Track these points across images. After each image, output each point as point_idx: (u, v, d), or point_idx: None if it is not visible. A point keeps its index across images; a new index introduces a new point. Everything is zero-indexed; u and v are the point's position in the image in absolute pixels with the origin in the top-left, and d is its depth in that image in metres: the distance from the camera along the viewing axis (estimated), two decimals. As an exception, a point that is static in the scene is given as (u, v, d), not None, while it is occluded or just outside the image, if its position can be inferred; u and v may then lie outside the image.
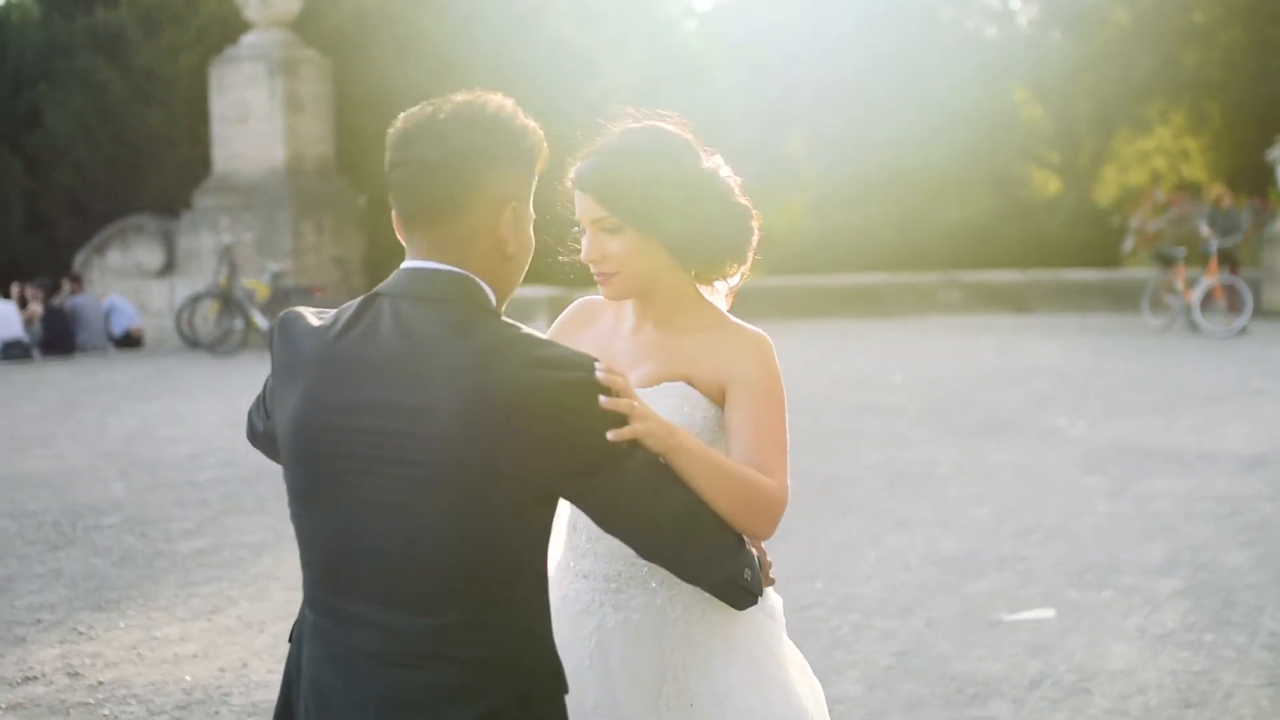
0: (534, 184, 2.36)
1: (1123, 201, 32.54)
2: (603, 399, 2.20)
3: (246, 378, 15.46)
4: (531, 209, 2.37)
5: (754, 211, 2.70)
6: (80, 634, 6.30)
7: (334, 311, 2.36)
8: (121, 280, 23.08)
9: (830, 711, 5.16)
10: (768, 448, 2.53)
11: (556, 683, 2.30)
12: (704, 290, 2.73)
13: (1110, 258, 29.25)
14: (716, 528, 2.38)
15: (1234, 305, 20.20)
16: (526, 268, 2.39)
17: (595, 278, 2.64)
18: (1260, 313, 21.41)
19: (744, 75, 33.52)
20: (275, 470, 8.50)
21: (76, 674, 5.75)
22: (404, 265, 2.31)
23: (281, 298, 20.04)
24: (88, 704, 5.41)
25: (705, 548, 2.38)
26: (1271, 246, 23.32)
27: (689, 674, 2.60)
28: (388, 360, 2.21)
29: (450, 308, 2.23)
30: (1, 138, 26.66)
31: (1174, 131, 35.23)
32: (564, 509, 2.51)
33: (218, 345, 20.14)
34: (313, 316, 2.36)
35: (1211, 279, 20.27)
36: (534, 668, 2.26)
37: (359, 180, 23.32)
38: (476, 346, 2.18)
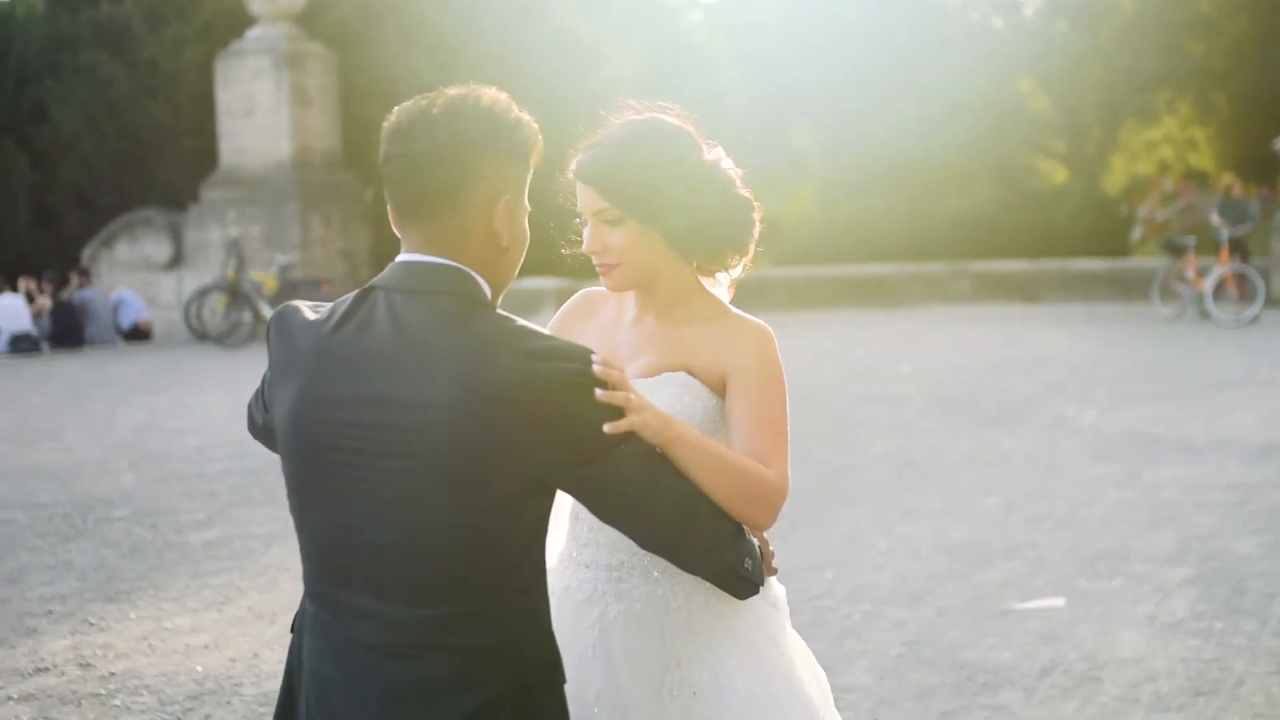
0: (529, 177, 2.36)
1: (1130, 191, 32.46)
2: (599, 392, 2.20)
3: (255, 370, 15.47)
4: (526, 202, 2.37)
5: (755, 203, 2.70)
6: (91, 625, 6.31)
7: (330, 305, 2.36)
8: (129, 273, 23.11)
9: (841, 700, 5.19)
10: (768, 438, 2.54)
11: (555, 672, 2.30)
12: (706, 282, 2.73)
13: (1118, 247, 29.19)
14: (715, 518, 2.39)
15: (1245, 294, 20.15)
16: (521, 260, 2.39)
17: (597, 269, 2.64)
18: (1270, 301, 21.38)
19: (749, 66, 33.48)
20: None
21: (88, 665, 5.76)
22: (398, 258, 2.31)
23: (289, 290, 20.06)
24: (99, 695, 5.42)
25: (704, 538, 2.38)
26: (1280, 235, 23.29)
27: (691, 663, 2.60)
28: (382, 354, 2.22)
29: (444, 301, 2.23)
30: (8, 133, 26.70)
31: (1181, 121, 35.15)
32: (565, 499, 2.51)
33: (226, 338, 20.16)
34: (309, 310, 2.36)
35: (1223, 268, 20.22)
36: (533, 657, 2.26)
37: (366, 173, 23.32)
38: (471, 339, 2.18)
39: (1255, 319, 19.52)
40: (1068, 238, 29.91)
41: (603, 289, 2.75)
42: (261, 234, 22.04)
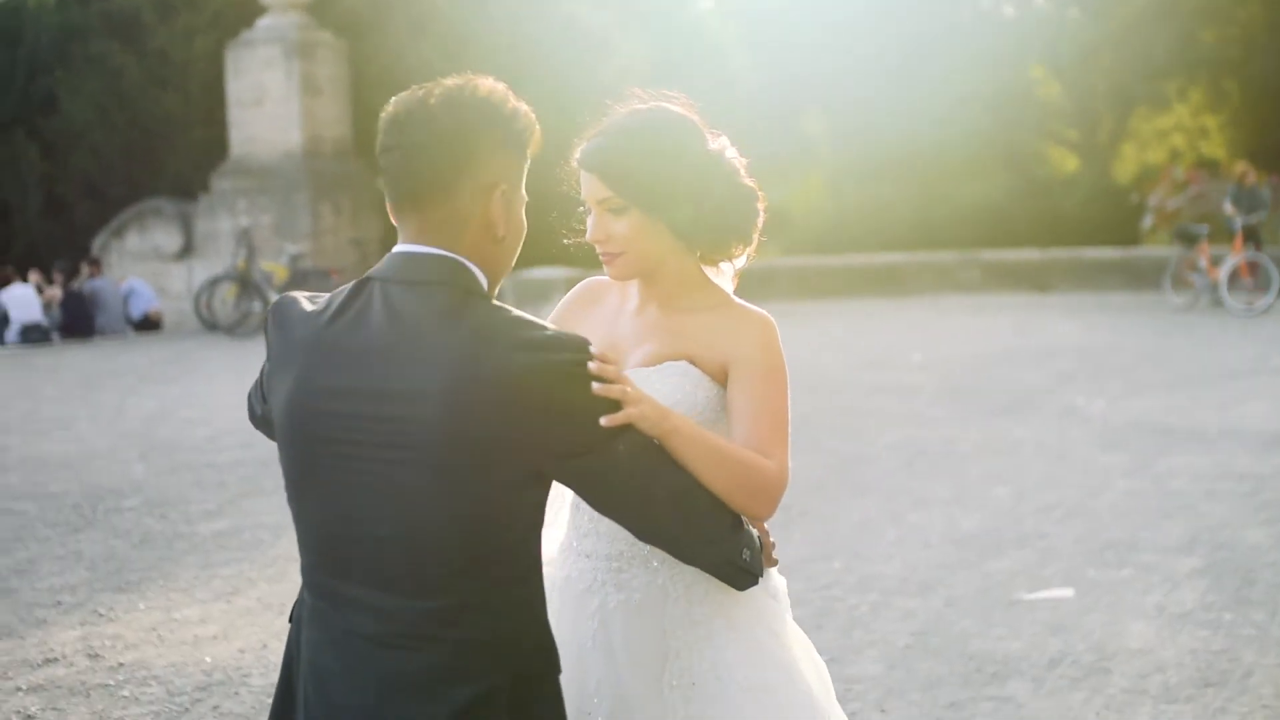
0: (526, 167, 2.36)
1: (1141, 179, 32.37)
2: (596, 384, 2.20)
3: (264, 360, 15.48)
4: (524, 192, 2.36)
5: (759, 193, 2.69)
6: (100, 616, 6.33)
7: (328, 296, 2.36)
8: (140, 263, 23.15)
9: (849, 691, 5.20)
10: (768, 429, 2.53)
11: (551, 662, 2.31)
12: (710, 271, 2.72)
13: (1129, 236, 29.11)
14: (713, 509, 2.38)
15: (1259, 283, 20.07)
16: (518, 251, 2.39)
17: (600, 258, 2.64)
18: (1282, 289, 21.31)
19: (759, 53, 33.40)
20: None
21: (97, 655, 5.78)
22: (395, 249, 2.31)
23: (299, 280, 20.07)
24: (108, 685, 5.43)
25: (702, 529, 2.38)
26: (1292, 223, 23.21)
27: (691, 653, 2.60)
28: (378, 345, 2.22)
29: (439, 291, 2.23)
30: (18, 123, 26.73)
31: (1192, 109, 35.03)
32: (566, 489, 2.51)
33: (236, 328, 20.18)
34: (306, 301, 2.37)
35: (1237, 256, 20.13)
36: (530, 648, 2.27)
37: (376, 162, 23.20)
38: (465, 330, 2.18)
39: (1269, 308, 19.43)
40: (1078, 226, 29.86)
41: (606, 278, 2.75)
42: (272, 223, 22.07)
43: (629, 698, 2.61)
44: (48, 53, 26.81)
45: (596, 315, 2.77)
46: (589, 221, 2.64)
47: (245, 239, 20.89)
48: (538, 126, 2.35)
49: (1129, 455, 9.50)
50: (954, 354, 15.41)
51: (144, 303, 21.69)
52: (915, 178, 31.87)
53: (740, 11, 35.23)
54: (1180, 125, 35.44)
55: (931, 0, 33.60)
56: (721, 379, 2.61)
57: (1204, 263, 20.49)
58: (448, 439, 2.15)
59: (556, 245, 2.85)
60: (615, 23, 26.29)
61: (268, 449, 9.87)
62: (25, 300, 19.93)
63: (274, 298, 20.61)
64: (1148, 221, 28.25)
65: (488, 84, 2.30)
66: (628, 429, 2.25)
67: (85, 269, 21.78)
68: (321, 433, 2.26)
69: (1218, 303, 20.05)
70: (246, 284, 20.44)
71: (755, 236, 2.70)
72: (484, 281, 2.29)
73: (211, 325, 20.58)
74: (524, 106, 2.33)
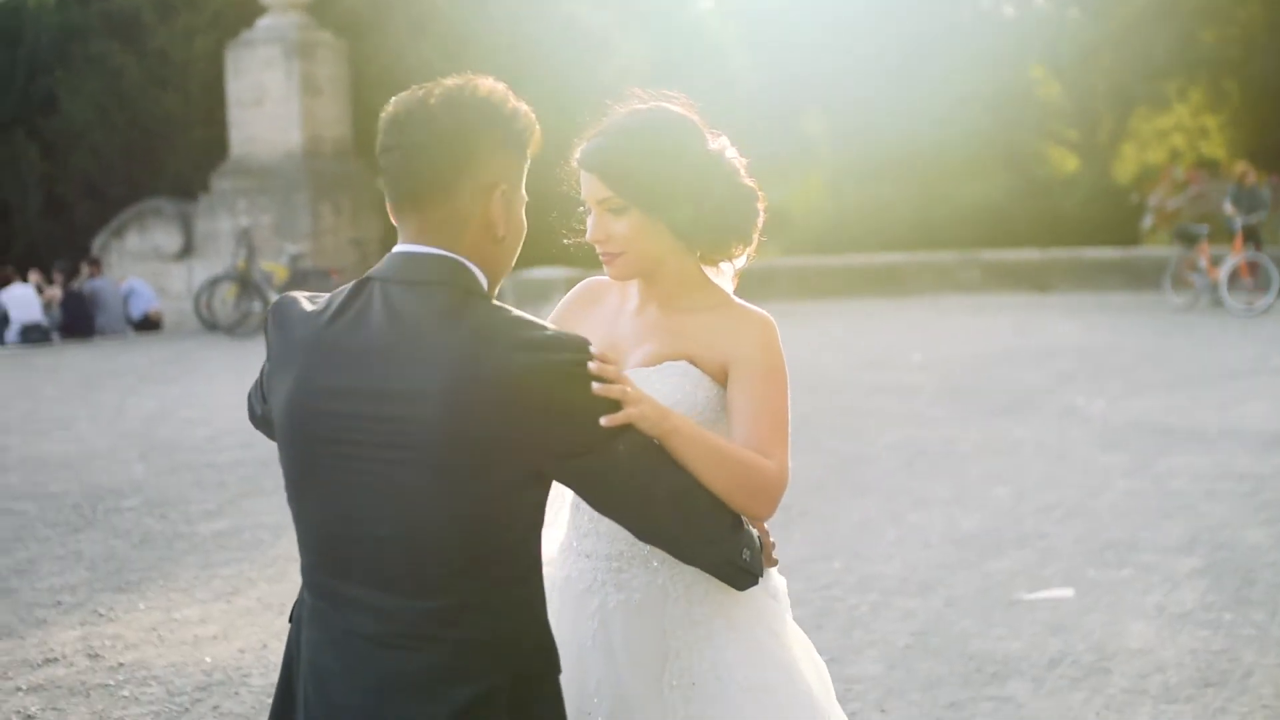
0: (526, 167, 2.36)
1: (1141, 179, 32.37)
2: (596, 385, 2.20)
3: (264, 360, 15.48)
4: (524, 191, 2.36)
5: (759, 193, 2.69)
6: (100, 616, 6.33)
7: (328, 296, 2.36)
8: (140, 263, 23.15)
9: (849, 691, 5.19)
10: (768, 429, 2.53)
11: (551, 662, 2.31)
12: (710, 271, 2.72)
13: (1129, 236, 29.10)
14: (713, 509, 2.38)
15: (1260, 283, 20.04)
16: (519, 251, 2.39)
17: (600, 258, 2.64)
18: (1281, 289, 21.30)
19: (759, 53, 33.40)
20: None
21: (97, 655, 5.77)
22: (395, 249, 2.31)
23: (299, 280, 20.06)
24: (108, 685, 5.43)
25: (702, 529, 2.38)
26: (1292, 223, 23.19)
27: (690, 653, 2.60)
28: (377, 345, 2.22)
29: (439, 292, 2.23)
30: (18, 123, 26.73)
31: (1192, 109, 35.03)
32: (566, 489, 2.51)
33: (236, 328, 20.18)
34: (306, 301, 2.37)
35: (1237, 256, 20.10)
36: (530, 648, 2.27)
37: (377, 162, 23.25)
38: (465, 330, 2.19)
39: (1269, 308, 19.41)
40: (1078, 226, 29.86)
41: (606, 278, 2.75)
42: (272, 223, 22.06)
43: (629, 698, 2.61)
44: (48, 52, 26.81)
45: (596, 315, 2.77)
46: (589, 221, 2.64)
47: (245, 239, 20.89)
48: (538, 126, 2.35)
49: (1129, 455, 9.50)
50: (954, 354, 15.41)
51: (144, 303, 21.69)
52: (915, 178, 31.87)
53: (740, 11, 35.23)
54: (1180, 125, 35.44)
55: (931, 0, 33.60)
56: (721, 379, 2.61)
57: (1204, 263, 20.46)
58: (447, 439, 2.15)
59: (557, 245, 2.86)
60: (615, 22, 26.29)
61: (268, 449, 9.87)
62: (25, 300, 19.93)
63: (274, 298, 20.59)
64: (1148, 221, 28.24)
65: (488, 84, 2.30)
66: (627, 429, 2.25)
67: (85, 269, 21.78)
68: (321, 433, 2.26)
69: (1218, 303, 20.03)
70: (246, 284, 20.43)
71: (755, 236, 2.71)
72: (484, 281, 2.29)
73: (211, 325, 20.58)
74: (524, 106, 2.33)
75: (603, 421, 2.20)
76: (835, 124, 34.49)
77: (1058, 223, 30.38)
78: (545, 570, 2.71)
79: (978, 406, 11.71)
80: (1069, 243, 27.65)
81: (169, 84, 25.71)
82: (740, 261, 2.74)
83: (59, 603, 6.54)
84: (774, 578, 2.72)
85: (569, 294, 2.87)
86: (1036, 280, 24.55)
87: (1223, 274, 19.90)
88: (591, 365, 2.20)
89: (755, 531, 2.50)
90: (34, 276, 21.64)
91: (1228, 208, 20.81)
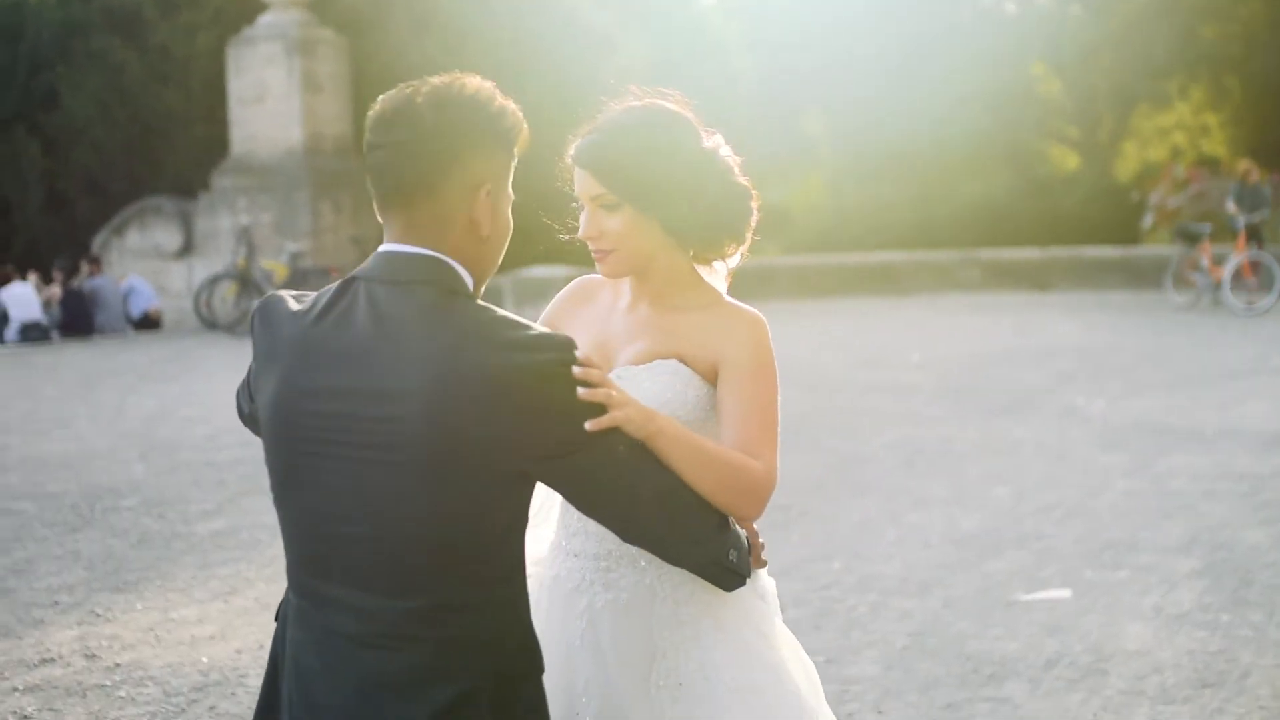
0: (513, 165, 2.36)
1: (1142, 177, 32.34)
2: (581, 391, 2.20)
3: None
4: (510, 190, 2.37)
5: (754, 192, 2.69)
6: (98, 616, 6.32)
7: (314, 295, 2.36)
8: (140, 262, 23.14)
9: (846, 691, 5.19)
10: (757, 429, 2.54)
11: (534, 662, 2.31)
12: (703, 270, 2.72)
13: (1129, 234, 29.09)
14: (698, 509, 2.38)
15: (1262, 282, 20.01)
16: (504, 250, 2.39)
17: (592, 254, 2.64)
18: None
19: (760, 52, 33.40)
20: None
21: (94, 655, 5.77)
22: (380, 248, 2.32)
23: (300, 278, 20.04)
24: (104, 685, 5.43)
25: (686, 529, 2.38)
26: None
27: (678, 653, 2.60)
28: (361, 345, 2.22)
29: (423, 291, 2.24)
30: (19, 119, 26.73)
31: (1193, 107, 35.01)
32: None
33: (236, 326, 20.17)
34: (293, 301, 2.37)
35: (1240, 255, 20.06)
36: (512, 648, 2.27)
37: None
38: (448, 330, 2.19)
39: (1272, 307, 19.34)
40: (1079, 225, 29.84)
41: (600, 276, 2.75)
42: (272, 221, 22.05)
43: (617, 697, 2.61)
44: (49, 48, 26.80)
45: (589, 313, 2.78)
46: (582, 218, 2.64)
47: (245, 237, 20.88)
48: (525, 125, 2.34)
49: (1129, 455, 9.49)
50: (953, 353, 15.40)
51: (144, 301, 21.68)
52: (915, 176, 31.86)
53: (741, 10, 35.23)
54: (1181, 123, 35.41)
55: (933, -1, 33.60)
56: (712, 378, 2.61)
57: (1206, 262, 20.41)
58: (430, 439, 2.15)
59: (558, 243, 2.86)
60: (616, 20, 26.29)
61: (266, 448, 9.88)
62: (25, 299, 19.93)
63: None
64: (1148, 220, 28.23)
65: (475, 82, 2.30)
66: (611, 430, 2.25)
67: (85, 267, 21.77)
68: (305, 432, 2.26)
69: (1218, 302, 19.99)
70: (247, 282, 20.42)
71: (749, 235, 2.71)
72: (469, 281, 2.30)
73: (211, 324, 20.56)
74: (511, 105, 2.33)
75: (588, 426, 2.20)
76: (835, 122, 34.49)
77: (1058, 221, 30.36)
78: (534, 569, 2.72)
79: (977, 406, 11.71)
80: (1069, 241, 27.64)
81: (170, 80, 25.71)
82: (734, 260, 2.74)
83: (56, 602, 6.54)
84: (763, 579, 2.72)
85: (562, 291, 2.88)
86: (1036, 279, 24.54)
87: (1226, 273, 19.85)
88: (576, 370, 2.20)
89: (743, 532, 2.50)
90: (31, 277, 21.62)
91: (1230, 206, 20.76)
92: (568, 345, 2.21)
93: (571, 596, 2.67)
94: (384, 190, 2.29)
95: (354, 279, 2.31)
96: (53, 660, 5.72)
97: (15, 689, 5.39)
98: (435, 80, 2.29)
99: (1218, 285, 20.04)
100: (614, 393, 2.25)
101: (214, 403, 12.77)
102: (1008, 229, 29.82)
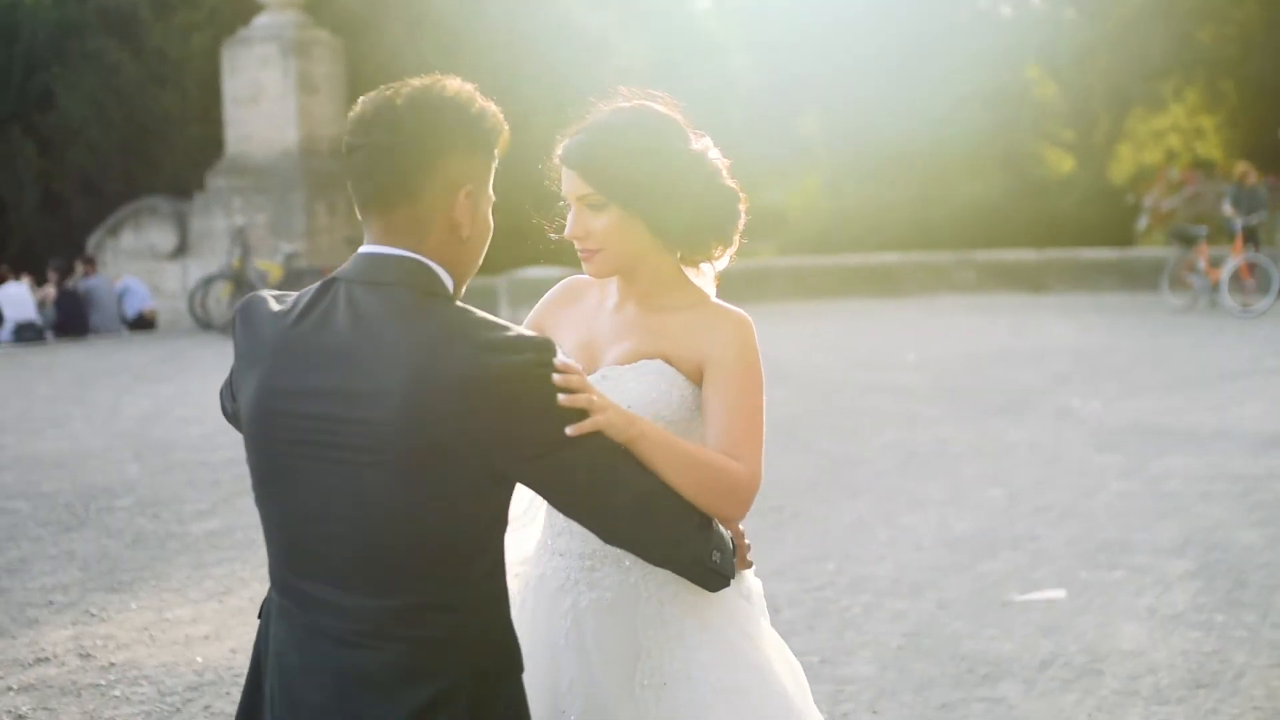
0: (493, 167, 2.36)
1: (1137, 180, 32.38)
2: (562, 396, 2.21)
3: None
4: (491, 192, 2.37)
5: (741, 194, 2.69)
6: (92, 615, 6.32)
7: (294, 296, 2.37)
8: (135, 262, 23.12)
9: (841, 692, 5.20)
10: (741, 431, 2.54)
11: (513, 661, 2.32)
12: (690, 273, 2.72)
13: (1125, 236, 29.12)
14: (679, 510, 2.39)
15: (1259, 284, 20.00)
16: (484, 251, 2.39)
17: (579, 254, 2.65)
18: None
19: (757, 53, 33.44)
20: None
21: (88, 655, 5.77)
22: (360, 250, 2.33)
23: (294, 279, 20.02)
24: (99, 685, 5.42)
25: (668, 531, 2.39)
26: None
27: (662, 653, 2.60)
28: (340, 346, 2.23)
29: (402, 293, 2.24)
30: (15, 119, 26.71)
31: (1189, 109, 35.06)
32: None
33: (230, 327, 20.13)
34: (274, 301, 2.38)
35: (1238, 258, 20.05)
36: (491, 647, 2.28)
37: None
38: (426, 332, 2.19)
39: (1269, 310, 19.31)
40: (1074, 227, 29.87)
41: (588, 276, 2.75)
42: (267, 222, 22.02)
43: (601, 697, 2.61)
44: (44, 49, 26.79)
45: (576, 313, 2.78)
46: (569, 218, 2.64)
47: (240, 238, 20.85)
48: (506, 127, 2.35)
49: (1123, 456, 9.50)
50: (949, 354, 15.41)
51: (139, 301, 21.65)
52: (912, 178, 31.89)
53: (739, 11, 35.26)
54: (1176, 126, 35.46)
55: (929, 1, 33.62)
56: (697, 378, 2.61)
57: (1203, 264, 20.40)
58: (409, 440, 2.16)
59: (554, 245, 2.86)
60: (613, 22, 26.30)
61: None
62: (19, 299, 19.90)
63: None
64: (1143, 222, 28.25)
65: (455, 84, 2.31)
66: (592, 432, 2.25)
67: (80, 267, 21.75)
68: (285, 433, 2.27)
69: (1216, 304, 19.99)
70: (241, 283, 20.39)
71: (736, 238, 2.71)
72: (449, 282, 2.30)
73: (206, 324, 20.54)
74: (492, 107, 2.33)
75: (569, 431, 2.21)
76: (832, 124, 34.52)
77: (1053, 223, 30.39)
78: (520, 569, 2.72)
79: (972, 407, 11.71)
80: (1065, 243, 27.66)
81: (166, 81, 25.70)
82: (721, 263, 2.74)
83: (51, 602, 6.54)
84: (749, 579, 2.72)
85: (550, 291, 2.89)
86: (1032, 281, 24.55)
87: (1223, 275, 19.84)
88: (556, 376, 2.21)
89: (727, 533, 2.49)
90: (25, 279, 21.60)
91: (1227, 209, 20.74)
92: (546, 347, 2.21)
93: (556, 596, 2.67)
94: (364, 192, 2.30)
95: (334, 280, 2.31)
96: (47, 660, 5.72)
97: (10, 688, 5.39)
98: (416, 82, 2.30)
99: (1215, 287, 20.03)
100: (594, 397, 2.26)
101: (209, 403, 12.74)
102: (1004, 231, 29.85)
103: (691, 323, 2.63)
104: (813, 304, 22.70)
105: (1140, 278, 23.44)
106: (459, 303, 2.29)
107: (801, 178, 35.87)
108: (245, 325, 2.38)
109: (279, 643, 2.32)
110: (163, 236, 23.01)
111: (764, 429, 2.58)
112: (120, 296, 21.36)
